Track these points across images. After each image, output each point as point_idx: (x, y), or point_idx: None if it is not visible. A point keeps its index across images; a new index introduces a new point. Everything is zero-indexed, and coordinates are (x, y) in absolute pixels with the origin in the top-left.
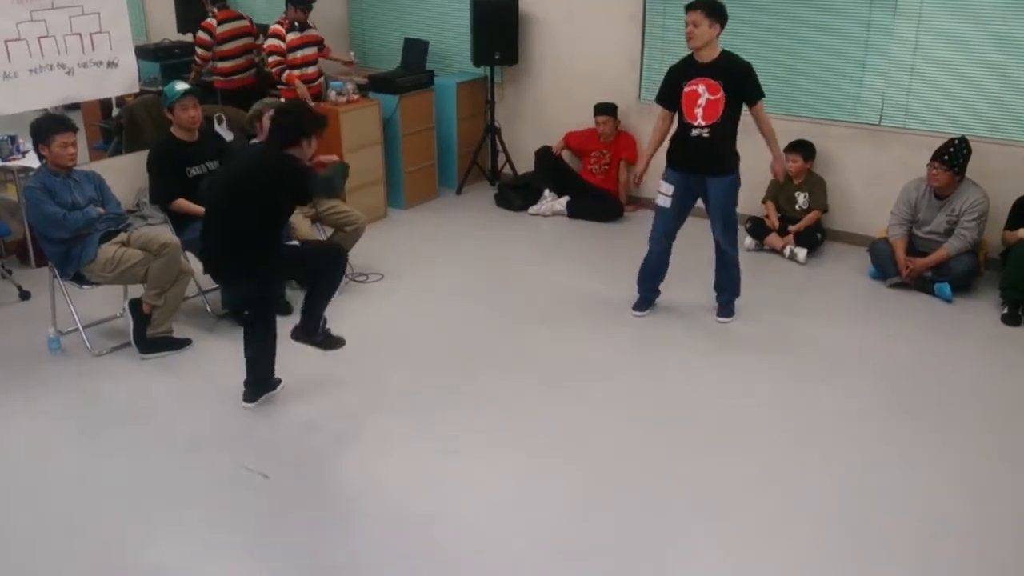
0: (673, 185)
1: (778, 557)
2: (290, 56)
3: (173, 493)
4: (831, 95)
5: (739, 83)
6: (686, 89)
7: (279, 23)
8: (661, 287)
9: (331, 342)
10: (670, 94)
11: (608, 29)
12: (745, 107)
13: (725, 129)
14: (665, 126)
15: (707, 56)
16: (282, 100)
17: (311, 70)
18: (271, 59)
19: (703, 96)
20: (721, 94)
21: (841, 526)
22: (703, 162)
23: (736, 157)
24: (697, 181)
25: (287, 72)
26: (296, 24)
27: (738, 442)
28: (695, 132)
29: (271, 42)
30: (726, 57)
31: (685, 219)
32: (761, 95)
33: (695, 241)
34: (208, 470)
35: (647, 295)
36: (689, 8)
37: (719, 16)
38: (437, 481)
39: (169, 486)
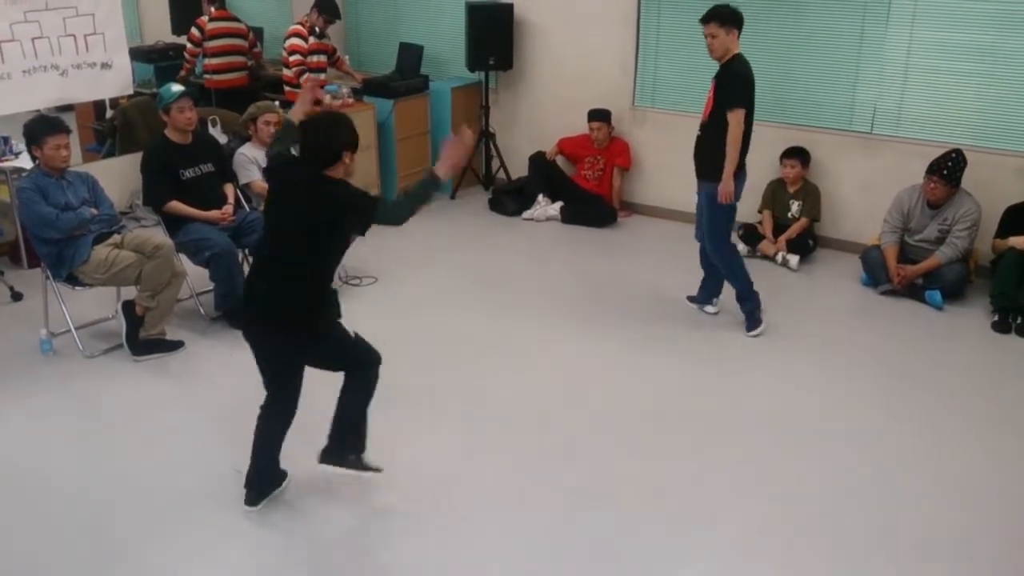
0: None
1: (770, 561)
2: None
3: (165, 496)
4: (824, 103)
5: (721, 86)
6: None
7: (300, 23)
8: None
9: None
10: None
11: (602, 36)
12: None
13: (712, 131)
14: None
15: (723, 60)
16: (276, 103)
17: (321, 77)
18: (293, 58)
19: (709, 96)
20: (712, 94)
21: (832, 529)
22: (697, 163)
23: (719, 169)
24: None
25: (306, 75)
26: (315, 30)
27: (729, 446)
28: (698, 133)
29: (293, 41)
30: (730, 61)
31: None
32: (736, 105)
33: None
34: (201, 473)
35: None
36: (703, 21)
37: (733, 22)
38: (431, 481)
39: (161, 489)
